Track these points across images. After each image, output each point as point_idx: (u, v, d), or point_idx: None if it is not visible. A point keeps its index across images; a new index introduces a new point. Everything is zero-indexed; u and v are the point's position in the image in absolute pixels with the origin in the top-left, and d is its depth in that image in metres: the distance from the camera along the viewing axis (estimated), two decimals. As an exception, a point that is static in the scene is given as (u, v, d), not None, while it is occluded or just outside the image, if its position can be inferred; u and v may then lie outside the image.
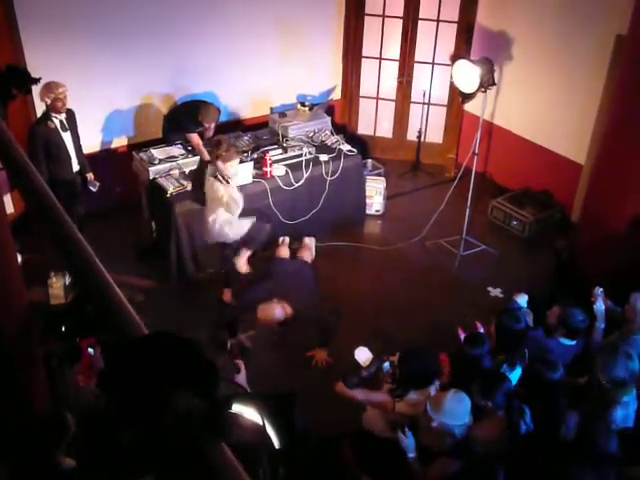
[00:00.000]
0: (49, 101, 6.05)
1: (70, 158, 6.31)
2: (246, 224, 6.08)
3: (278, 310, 5.45)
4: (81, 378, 4.43)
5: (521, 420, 3.70)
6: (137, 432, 1.07)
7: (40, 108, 6.42)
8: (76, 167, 6.42)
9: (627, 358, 4.00)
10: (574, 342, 4.59)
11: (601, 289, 4.84)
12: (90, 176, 6.56)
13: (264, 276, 5.81)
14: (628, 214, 5.74)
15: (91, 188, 6.53)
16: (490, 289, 6.74)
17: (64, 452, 3.34)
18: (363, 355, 4.34)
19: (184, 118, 6.97)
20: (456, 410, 3.64)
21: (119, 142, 7.55)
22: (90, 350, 4.41)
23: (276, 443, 2.90)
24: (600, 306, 4.76)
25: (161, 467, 1.05)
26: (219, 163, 5.82)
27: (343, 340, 5.91)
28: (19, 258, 3.42)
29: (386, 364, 4.18)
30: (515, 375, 4.33)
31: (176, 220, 6.37)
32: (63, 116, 6.18)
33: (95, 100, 7.01)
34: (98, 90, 6.99)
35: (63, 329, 3.51)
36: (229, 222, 5.98)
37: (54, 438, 3.25)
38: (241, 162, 6.79)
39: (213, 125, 7.01)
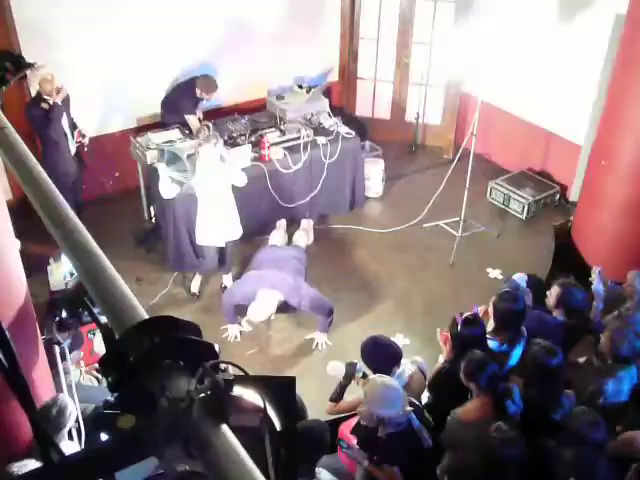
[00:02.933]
0: (37, 84, 6.01)
1: (67, 141, 6.28)
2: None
3: (266, 306, 5.46)
4: (83, 364, 4.46)
5: (508, 400, 3.71)
6: (138, 415, 1.08)
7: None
8: (73, 150, 6.39)
9: (636, 338, 4.01)
10: (572, 320, 4.59)
11: (599, 269, 4.85)
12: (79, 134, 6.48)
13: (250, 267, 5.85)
14: (626, 194, 5.75)
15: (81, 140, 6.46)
16: (489, 270, 6.75)
17: (66, 437, 3.36)
18: (337, 368, 4.39)
19: (181, 99, 6.95)
20: (383, 397, 3.65)
21: (116, 126, 7.52)
22: (90, 336, 4.43)
23: (277, 425, 2.92)
24: (598, 286, 4.77)
25: (162, 450, 1.05)
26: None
27: (343, 323, 5.94)
28: (18, 245, 3.42)
29: (358, 366, 4.24)
30: (516, 354, 4.35)
31: (175, 205, 6.36)
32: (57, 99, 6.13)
33: (91, 84, 6.96)
34: (94, 74, 6.95)
35: (63, 315, 3.51)
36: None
37: (56, 423, 3.27)
38: (238, 145, 6.80)
39: (213, 95, 6.98)
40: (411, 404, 3.76)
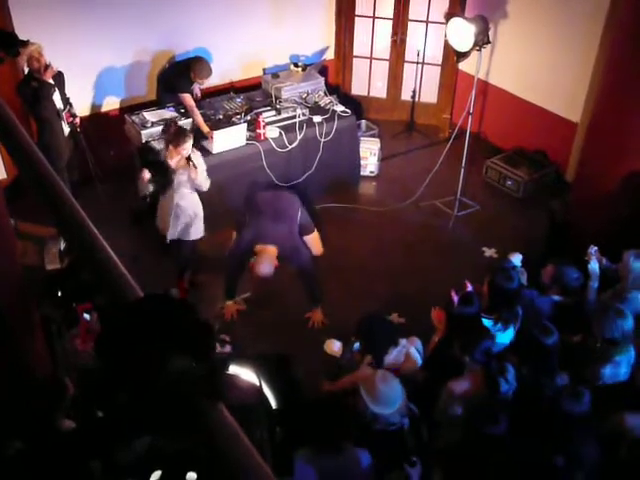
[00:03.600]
0: (25, 61, 5.95)
1: (60, 119, 6.24)
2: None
3: (266, 265, 5.36)
4: (79, 342, 4.46)
5: (500, 378, 3.72)
6: (134, 394, 1.08)
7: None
8: (66, 129, 6.35)
9: (619, 317, 4.02)
10: (569, 300, 4.62)
11: (595, 248, 4.86)
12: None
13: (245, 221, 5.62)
14: (622, 173, 5.74)
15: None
16: (485, 249, 6.77)
17: (64, 415, 3.38)
18: (334, 346, 4.40)
19: (176, 78, 6.90)
20: (381, 395, 3.56)
21: (111, 105, 7.47)
22: (86, 315, 4.43)
23: (273, 403, 2.94)
24: (594, 265, 4.78)
25: (159, 429, 1.06)
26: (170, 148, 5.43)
27: (339, 301, 5.96)
28: (12, 223, 3.41)
29: (356, 344, 4.24)
30: (508, 334, 4.37)
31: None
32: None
33: (85, 62, 6.91)
34: (88, 52, 6.89)
35: (59, 294, 3.51)
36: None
37: (54, 401, 3.28)
38: (234, 124, 6.76)
39: (205, 81, 6.93)
40: (409, 410, 3.73)
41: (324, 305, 5.88)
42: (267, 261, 5.30)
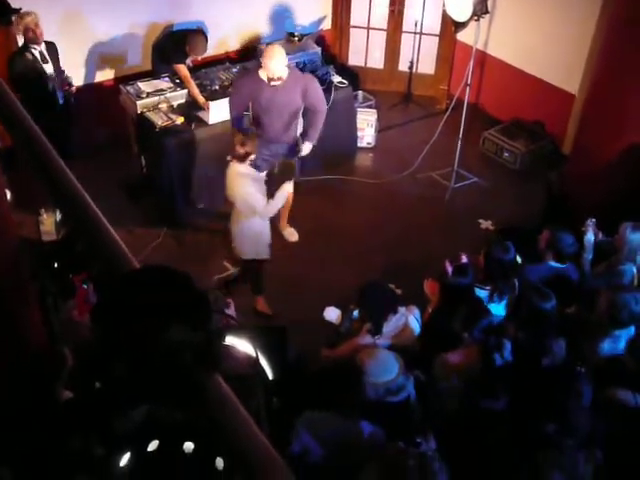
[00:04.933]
0: (21, 31, 5.90)
1: (53, 90, 6.19)
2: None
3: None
4: (76, 313, 4.47)
5: (496, 353, 3.73)
6: (131, 364, 1.09)
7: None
8: (60, 100, 6.31)
9: (635, 303, 3.95)
10: (564, 266, 4.61)
11: (593, 220, 4.85)
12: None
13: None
14: (620, 145, 5.72)
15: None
16: (481, 221, 6.77)
17: (62, 385, 3.40)
18: (333, 314, 4.40)
19: (171, 49, 6.83)
20: (378, 362, 3.52)
21: (105, 75, 7.40)
22: (84, 285, 4.43)
23: (269, 374, 2.96)
24: (590, 237, 4.77)
25: (156, 398, 1.06)
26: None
27: (337, 274, 5.96)
28: (8, 194, 3.39)
29: (355, 312, 4.25)
30: (501, 306, 4.39)
31: (166, 154, 6.31)
32: (43, 47, 6.03)
33: (79, 31, 6.84)
34: (82, 21, 6.81)
35: (55, 265, 3.51)
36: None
37: (52, 372, 3.30)
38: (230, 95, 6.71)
39: (199, 57, 6.88)
40: (416, 378, 3.71)
41: (324, 277, 5.89)
42: None
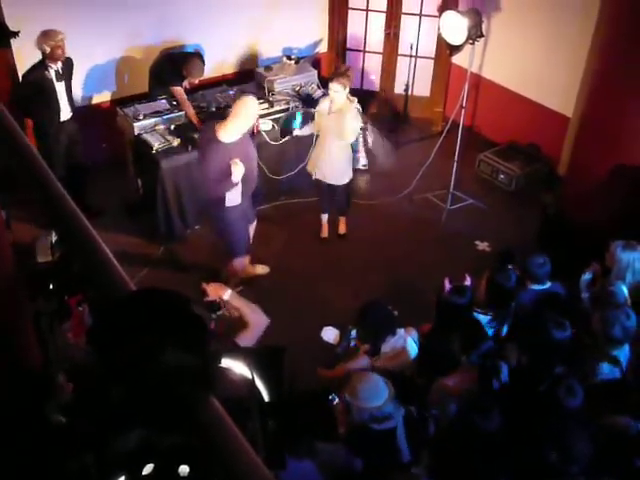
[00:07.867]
0: (48, 49, 5.97)
1: (59, 108, 6.25)
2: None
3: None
4: (71, 335, 4.44)
5: (493, 379, 3.72)
6: (126, 387, 1.08)
7: (19, 60, 6.39)
8: (67, 115, 6.36)
9: (626, 319, 3.96)
10: (546, 286, 4.59)
11: (597, 265, 4.81)
12: None
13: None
14: (614, 167, 5.75)
15: None
16: (477, 243, 6.78)
17: (56, 411, 3.37)
18: (331, 334, 4.39)
19: (168, 71, 6.86)
20: (366, 387, 3.52)
21: (103, 97, 7.43)
22: (79, 308, 4.41)
23: (265, 397, 2.94)
24: (587, 276, 4.75)
25: (151, 421, 1.06)
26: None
27: (332, 295, 5.96)
28: (3, 214, 3.39)
29: (353, 332, 4.24)
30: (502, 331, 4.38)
31: (162, 176, 6.32)
32: (59, 65, 6.12)
33: (77, 53, 6.84)
34: (80, 43, 6.81)
35: (51, 287, 3.49)
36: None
37: (45, 397, 3.27)
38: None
39: (196, 80, 6.92)
40: (407, 411, 3.67)
41: (320, 297, 5.89)
42: None
